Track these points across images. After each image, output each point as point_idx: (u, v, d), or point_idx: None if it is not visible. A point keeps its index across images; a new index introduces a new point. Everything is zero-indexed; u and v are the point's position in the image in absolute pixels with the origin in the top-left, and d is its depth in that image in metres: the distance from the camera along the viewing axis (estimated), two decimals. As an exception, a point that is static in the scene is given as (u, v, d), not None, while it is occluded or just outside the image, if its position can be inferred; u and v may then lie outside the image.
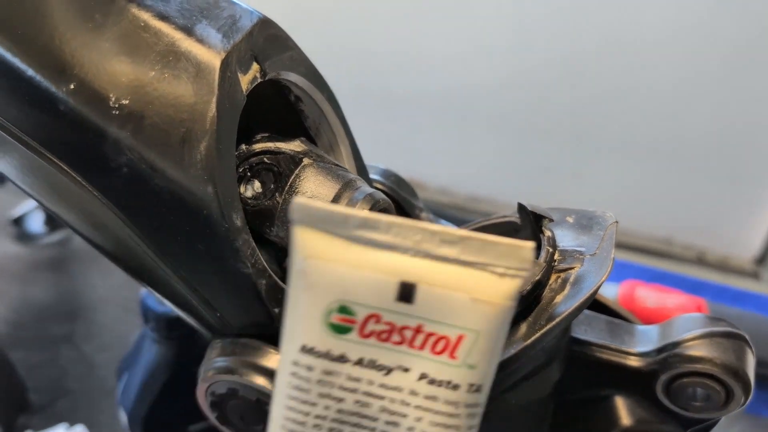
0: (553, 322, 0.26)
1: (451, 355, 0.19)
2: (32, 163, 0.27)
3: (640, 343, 0.30)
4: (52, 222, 0.67)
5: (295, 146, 0.30)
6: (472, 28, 0.75)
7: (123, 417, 0.43)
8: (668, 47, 0.70)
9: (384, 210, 0.29)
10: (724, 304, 0.67)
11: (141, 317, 0.41)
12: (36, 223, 0.67)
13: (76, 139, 0.25)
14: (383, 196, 0.30)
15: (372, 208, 0.28)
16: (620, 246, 0.82)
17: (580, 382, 0.31)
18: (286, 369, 0.20)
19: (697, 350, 0.28)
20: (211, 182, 0.25)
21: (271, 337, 0.28)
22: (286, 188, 0.29)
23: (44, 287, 0.66)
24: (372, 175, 0.34)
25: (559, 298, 0.27)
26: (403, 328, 0.19)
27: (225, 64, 0.25)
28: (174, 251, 0.27)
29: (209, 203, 0.25)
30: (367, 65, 0.81)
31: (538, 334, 0.26)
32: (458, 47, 0.76)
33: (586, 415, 0.31)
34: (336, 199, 0.28)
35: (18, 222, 0.68)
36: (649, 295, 0.62)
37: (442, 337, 0.19)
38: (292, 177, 0.29)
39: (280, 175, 0.29)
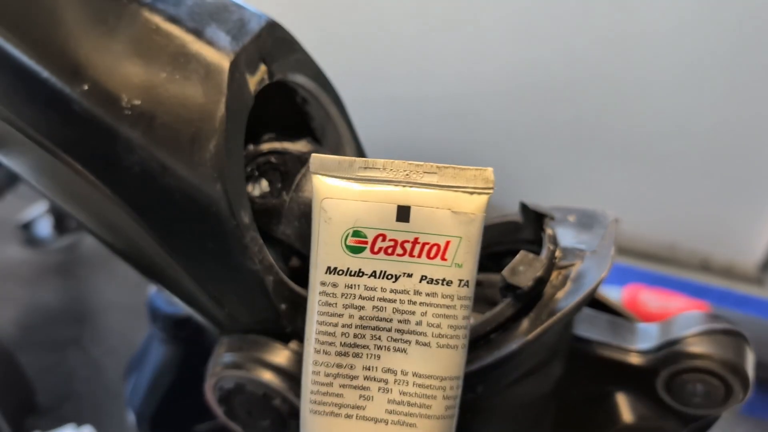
0: (555, 318, 0.26)
1: (443, 258, 0.24)
2: (46, 162, 0.27)
3: (641, 341, 0.30)
4: (61, 227, 0.68)
5: (301, 146, 0.31)
6: (472, 30, 0.76)
7: (131, 417, 0.43)
8: (673, 53, 0.71)
9: None
10: (728, 308, 0.67)
11: (148, 318, 0.42)
12: (44, 228, 0.68)
13: (89, 139, 0.26)
14: None
15: None
16: (625, 251, 0.82)
17: (582, 379, 0.31)
18: (316, 289, 0.24)
19: (697, 347, 0.29)
20: (220, 180, 0.25)
21: (278, 334, 0.29)
22: (293, 187, 0.30)
23: (52, 291, 0.67)
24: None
25: (560, 294, 0.27)
26: (404, 242, 0.24)
27: (234, 65, 0.26)
28: (183, 248, 0.27)
29: (218, 201, 0.26)
30: (375, 70, 0.82)
31: (539, 329, 0.26)
32: (467, 57, 0.77)
33: (588, 412, 0.32)
34: None
35: (27, 227, 0.68)
36: (652, 299, 0.62)
37: (434, 245, 0.24)
38: (299, 176, 0.30)
39: (286, 174, 0.30)
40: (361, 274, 0.24)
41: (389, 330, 0.24)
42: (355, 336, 0.24)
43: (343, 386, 0.25)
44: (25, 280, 0.67)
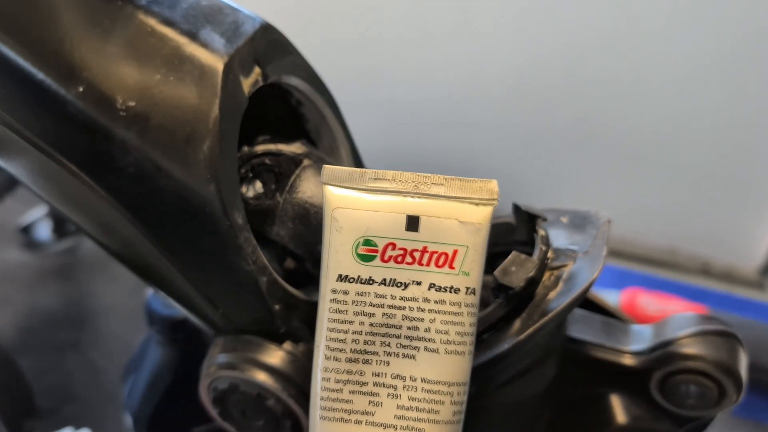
0: (546, 318, 0.26)
1: (450, 266, 0.24)
2: (42, 164, 0.28)
3: (635, 342, 0.31)
4: (60, 230, 0.68)
5: (295, 148, 0.31)
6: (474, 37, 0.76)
7: (129, 419, 0.43)
8: (674, 57, 0.71)
9: None
10: (728, 312, 0.67)
11: (146, 320, 0.42)
12: (44, 231, 0.68)
13: (84, 140, 0.26)
14: None
15: None
16: (624, 255, 0.82)
17: (576, 380, 0.31)
18: (327, 297, 0.25)
19: (690, 348, 0.29)
20: (214, 181, 0.26)
21: (272, 334, 0.29)
22: (287, 188, 0.30)
23: (51, 295, 0.67)
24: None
25: (552, 295, 0.27)
26: (413, 250, 0.24)
27: (228, 67, 0.26)
28: (178, 249, 0.28)
29: (211, 201, 0.26)
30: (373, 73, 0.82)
31: (531, 330, 0.26)
32: (466, 60, 0.77)
33: (582, 413, 0.32)
34: None
35: (26, 230, 0.68)
36: (650, 302, 0.62)
37: (442, 254, 0.24)
38: (293, 177, 0.30)
39: (280, 175, 0.30)
40: (371, 282, 0.25)
41: (398, 337, 0.25)
42: (365, 343, 0.25)
43: (352, 392, 0.25)
44: (24, 284, 0.67)
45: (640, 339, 0.31)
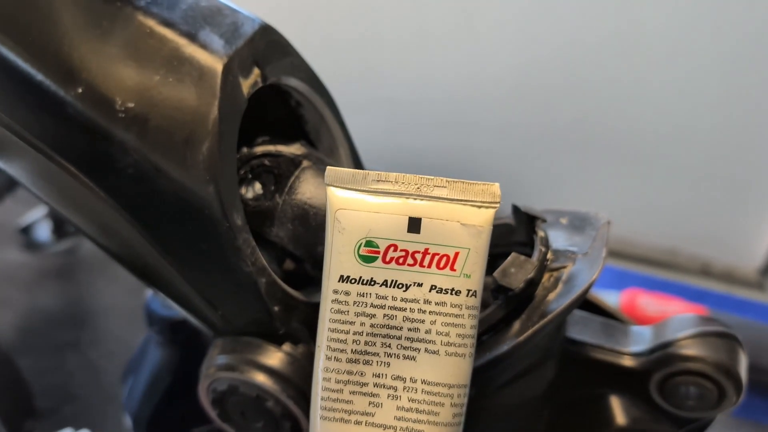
0: (546, 319, 0.26)
1: (452, 268, 0.24)
2: (41, 165, 0.28)
3: (634, 343, 0.31)
4: (60, 231, 0.68)
5: (295, 149, 0.31)
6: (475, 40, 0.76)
7: (128, 420, 0.43)
8: (674, 57, 0.71)
9: None
10: (728, 312, 0.67)
11: (145, 321, 0.42)
12: (44, 232, 0.68)
13: (83, 142, 0.26)
14: None
15: None
16: (624, 256, 0.82)
17: (575, 382, 0.31)
18: (328, 297, 0.25)
19: (690, 349, 0.29)
20: (213, 182, 0.26)
21: (272, 336, 0.29)
22: (286, 190, 0.30)
23: (51, 295, 0.67)
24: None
25: (551, 296, 0.27)
26: (415, 252, 0.24)
27: (227, 68, 0.26)
28: (177, 250, 0.28)
29: (211, 202, 0.26)
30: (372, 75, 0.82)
31: (530, 331, 0.26)
32: (466, 60, 0.77)
33: (581, 414, 0.32)
34: None
35: (26, 231, 0.68)
36: (650, 303, 0.62)
37: (443, 256, 0.24)
38: (292, 179, 0.30)
39: (280, 177, 0.30)
40: (372, 283, 0.25)
41: (399, 338, 0.25)
42: (366, 343, 0.25)
43: (353, 393, 0.25)
44: (24, 284, 0.67)
45: (639, 340, 0.31)
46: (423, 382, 0.25)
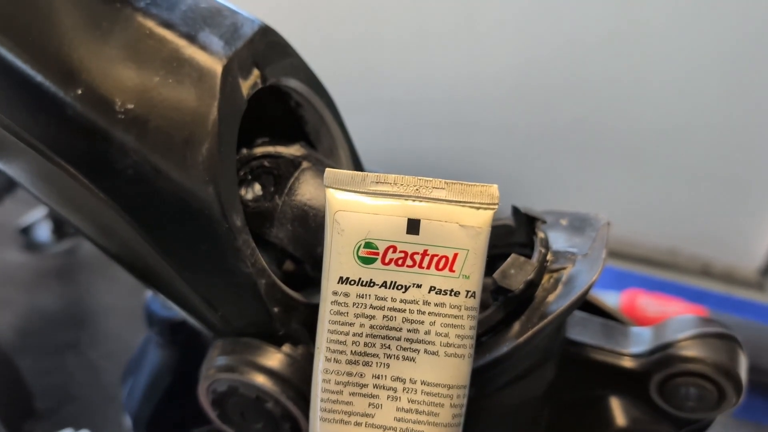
0: (546, 321, 0.26)
1: (451, 269, 0.24)
2: (41, 166, 0.28)
3: (634, 344, 0.31)
4: (60, 231, 0.68)
5: (294, 150, 0.31)
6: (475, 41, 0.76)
7: (128, 420, 0.43)
8: (674, 57, 0.71)
9: None
10: (728, 313, 0.67)
11: (145, 322, 0.42)
12: (43, 232, 0.68)
13: (83, 143, 0.26)
14: None
15: None
16: (625, 256, 0.82)
17: (575, 383, 0.31)
18: (328, 299, 0.25)
19: (690, 351, 0.29)
20: (213, 183, 0.26)
21: (271, 337, 0.29)
22: (286, 191, 0.30)
23: (51, 295, 0.67)
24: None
25: (551, 297, 0.27)
26: (414, 253, 0.24)
27: (226, 69, 0.26)
28: (177, 251, 0.28)
29: (210, 204, 0.26)
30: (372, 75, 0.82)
31: (530, 332, 0.26)
32: (466, 60, 0.77)
33: (581, 415, 0.32)
34: None
35: (26, 231, 0.68)
36: (650, 304, 0.62)
37: (442, 257, 0.24)
38: (292, 180, 0.30)
39: (279, 178, 0.30)
40: (372, 285, 0.25)
41: (399, 339, 0.25)
42: (366, 345, 0.25)
43: (352, 394, 0.25)
44: (23, 284, 0.67)
45: (639, 341, 0.31)
46: (423, 383, 0.25)
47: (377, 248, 0.24)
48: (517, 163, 0.82)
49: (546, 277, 0.28)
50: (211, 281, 0.28)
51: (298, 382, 0.29)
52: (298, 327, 0.29)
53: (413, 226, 0.24)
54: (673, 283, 0.76)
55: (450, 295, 0.25)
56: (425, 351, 0.25)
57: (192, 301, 0.29)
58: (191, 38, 0.26)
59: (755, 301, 0.75)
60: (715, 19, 0.68)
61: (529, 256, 0.28)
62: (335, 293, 0.25)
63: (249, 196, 0.30)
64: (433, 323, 0.25)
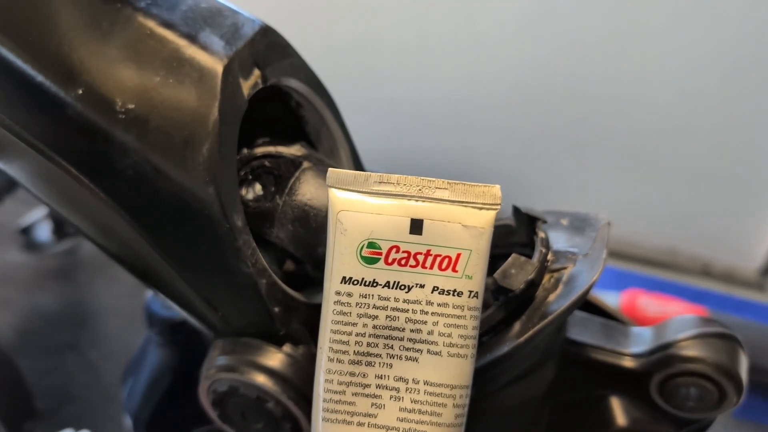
0: (546, 320, 0.26)
1: (454, 269, 0.25)
2: (41, 166, 0.28)
3: (635, 344, 0.31)
4: (60, 231, 0.68)
5: (295, 150, 0.31)
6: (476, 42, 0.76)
7: (128, 420, 0.43)
8: (674, 57, 0.71)
9: None
10: (728, 313, 0.67)
11: (145, 322, 0.42)
12: (44, 232, 0.68)
13: (83, 143, 0.26)
14: None
15: None
16: (625, 256, 0.82)
17: (575, 383, 0.31)
18: (331, 299, 0.25)
19: (690, 350, 0.29)
20: (213, 183, 0.26)
21: (272, 337, 0.29)
22: (286, 191, 0.30)
23: (51, 296, 0.67)
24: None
25: (552, 297, 0.27)
26: (417, 253, 0.25)
27: (227, 69, 0.26)
28: (177, 251, 0.28)
29: (211, 204, 0.26)
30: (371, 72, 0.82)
31: (531, 332, 0.26)
32: (466, 60, 0.77)
33: (581, 415, 0.32)
34: None
35: (26, 231, 0.68)
36: (650, 304, 0.62)
37: (445, 257, 0.24)
38: (292, 180, 0.30)
39: (280, 178, 0.30)
40: (375, 285, 0.25)
41: (401, 339, 0.25)
42: (368, 345, 0.25)
43: (355, 394, 0.25)
44: (24, 285, 0.67)
45: (639, 341, 0.31)
46: (425, 383, 0.25)
47: (380, 248, 0.24)
48: (517, 163, 0.82)
49: (547, 276, 0.28)
50: (212, 281, 0.28)
51: (298, 382, 0.29)
52: (299, 327, 0.29)
53: (416, 226, 0.24)
54: (673, 283, 0.76)
55: (453, 295, 0.25)
56: (428, 351, 0.25)
57: (192, 301, 0.29)
58: (192, 38, 0.26)
59: (755, 301, 0.75)
60: (715, 19, 0.68)
61: (529, 256, 0.28)
62: (338, 293, 0.25)
63: (249, 196, 0.30)
64: (436, 323, 0.25)
